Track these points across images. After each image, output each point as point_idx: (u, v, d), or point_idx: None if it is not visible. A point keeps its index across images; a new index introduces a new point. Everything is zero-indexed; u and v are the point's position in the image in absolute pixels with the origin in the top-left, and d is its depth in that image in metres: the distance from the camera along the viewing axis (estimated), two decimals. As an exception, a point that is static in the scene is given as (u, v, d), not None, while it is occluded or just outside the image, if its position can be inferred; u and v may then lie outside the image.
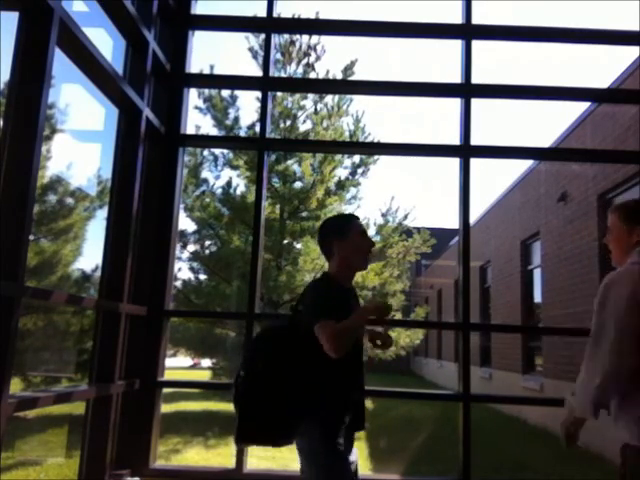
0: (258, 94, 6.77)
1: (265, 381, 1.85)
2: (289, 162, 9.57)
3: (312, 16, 6.15)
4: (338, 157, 9.33)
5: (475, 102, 3.54)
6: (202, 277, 10.17)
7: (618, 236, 1.86)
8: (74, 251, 6.02)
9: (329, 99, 9.62)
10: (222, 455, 6.00)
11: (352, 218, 2.18)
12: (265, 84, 3.73)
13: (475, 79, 3.58)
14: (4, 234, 1.99)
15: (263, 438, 1.90)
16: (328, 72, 9.80)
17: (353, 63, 9.50)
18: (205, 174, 9.87)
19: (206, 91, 9.46)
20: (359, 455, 2.13)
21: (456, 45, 3.68)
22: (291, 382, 1.86)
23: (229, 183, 9.62)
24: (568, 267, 7.85)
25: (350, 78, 9.34)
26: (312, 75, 9.52)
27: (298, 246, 9.48)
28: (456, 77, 3.62)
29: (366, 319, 1.99)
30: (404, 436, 7.50)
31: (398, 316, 10.07)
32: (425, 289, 21.80)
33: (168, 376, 3.50)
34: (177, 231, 3.66)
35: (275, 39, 4.09)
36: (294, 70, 9.48)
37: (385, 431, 7.48)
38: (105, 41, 3.07)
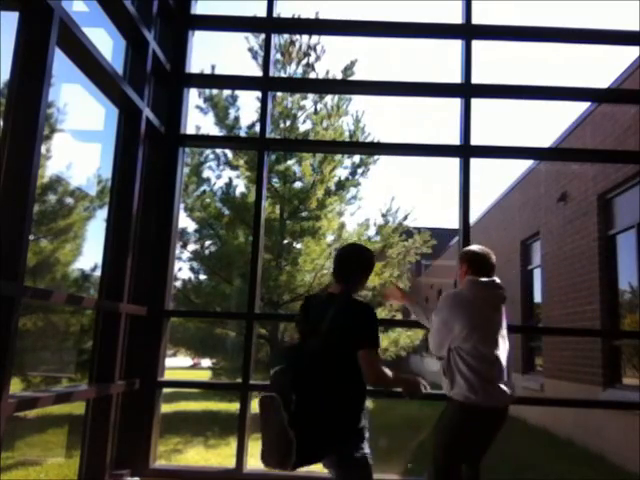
0: (258, 94, 6.78)
1: (321, 402, 1.97)
2: (289, 162, 9.55)
3: (312, 16, 6.14)
4: (338, 157, 9.32)
5: (475, 102, 3.55)
6: (202, 277, 10.16)
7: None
8: (74, 251, 6.02)
9: (329, 99, 9.61)
10: (222, 455, 5.99)
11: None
12: (265, 84, 3.73)
13: (475, 79, 3.58)
14: (4, 234, 1.99)
15: (317, 456, 2.01)
16: (328, 72, 9.80)
17: (353, 63, 9.49)
18: (207, 173, 9.88)
19: (207, 90, 9.45)
20: None
21: (456, 45, 3.68)
22: (341, 400, 2.03)
23: (229, 183, 9.62)
24: (568, 267, 7.84)
25: (350, 78, 9.33)
26: (312, 75, 9.51)
27: (298, 246, 9.47)
28: (456, 77, 3.63)
29: (401, 385, 2.25)
30: (404, 436, 7.49)
31: (398, 316, 10.07)
32: (425, 289, 21.79)
33: (168, 376, 3.50)
34: (177, 231, 3.67)
35: (275, 39, 4.09)
36: (294, 70, 9.47)
37: (385, 431, 7.48)
38: (105, 41, 3.07)
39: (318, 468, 2.30)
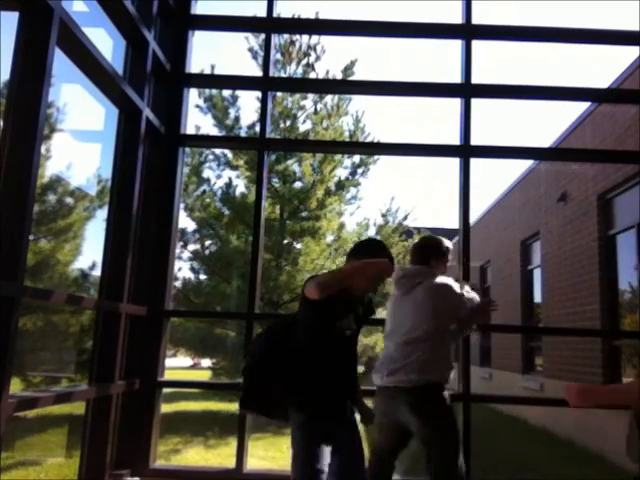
0: (258, 94, 6.78)
1: (265, 362, 2.17)
2: (289, 162, 9.55)
3: (312, 16, 6.15)
4: (338, 157, 9.32)
5: (475, 102, 3.55)
6: (202, 277, 10.16)
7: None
8: (73, 251, 6.02)
9: (329, 99, 9.61)
10: (222, 455, 5.99)
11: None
12: (265, 84, 3.73)
13: (475, 79, 3.58)
14: (4, 234, 1.99)
15: (258, 407, 2.21)
16: (328, 72, 9.79)
17: (353, 63, 9.49)
18: (207, 173, 9.88)
19: (207, 90, 9.45)
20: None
21: (456, 45, 3.69)
22: (284, 366, 2.14)
23: (229, 183, 9.63)
24: (568, 267, 7.84)
25: (350, 78, 9.33)
26: (312, 75, 9.51)
27: (298, 246, 9.47)
28: (456, 77, 3.63)
29: (353, 270, 2.07)
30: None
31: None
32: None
33: (168, 376, 3.50)
34: (177, 231, 3.67)
35: (275, 39, 4.10)
36: (294, 70, 9.47)
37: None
38: (105, 41, 3.07)
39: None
